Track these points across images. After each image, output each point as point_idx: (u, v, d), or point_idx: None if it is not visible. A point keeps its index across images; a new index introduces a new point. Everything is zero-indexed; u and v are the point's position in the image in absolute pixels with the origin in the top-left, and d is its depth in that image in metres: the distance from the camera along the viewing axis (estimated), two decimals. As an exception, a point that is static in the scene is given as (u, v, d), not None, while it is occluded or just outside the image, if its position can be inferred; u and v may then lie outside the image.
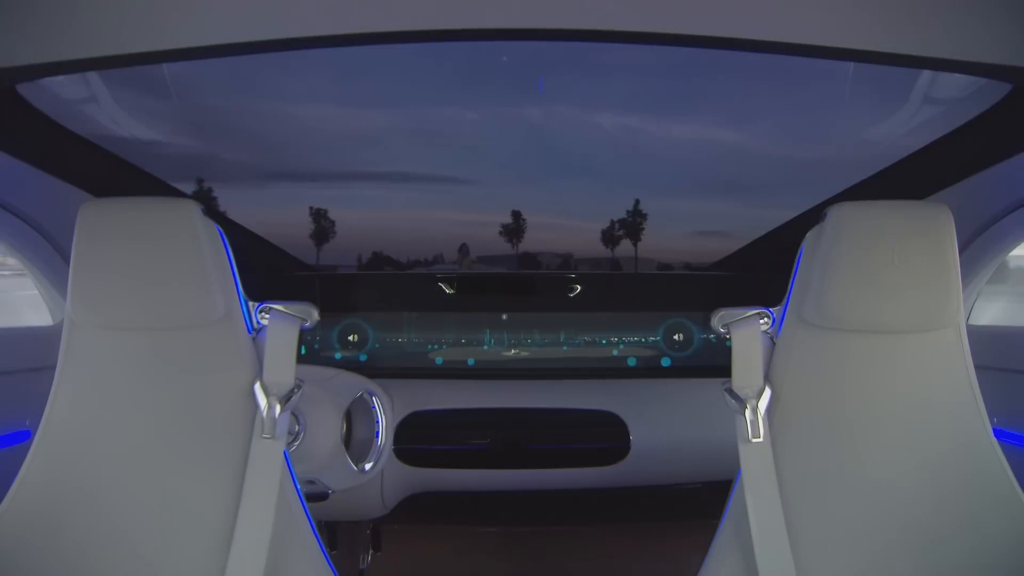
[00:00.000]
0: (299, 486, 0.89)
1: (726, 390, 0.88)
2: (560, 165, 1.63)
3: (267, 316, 0.91)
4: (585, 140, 1.59)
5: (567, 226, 1.74)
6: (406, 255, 1.60)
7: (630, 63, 1.33)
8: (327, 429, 1.06)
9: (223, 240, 0.88)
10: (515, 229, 1.68)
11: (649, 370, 1.40)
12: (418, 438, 1.30)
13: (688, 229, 1.58)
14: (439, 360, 1.40)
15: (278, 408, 0.84)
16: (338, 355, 1.40)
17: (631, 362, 1.39)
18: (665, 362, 1.40)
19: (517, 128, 1.55)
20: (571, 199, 1.71)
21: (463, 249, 1.59)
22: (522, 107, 1.49)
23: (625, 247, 1.69)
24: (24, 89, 0.98)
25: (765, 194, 1.66)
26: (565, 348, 1.41)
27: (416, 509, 1.38)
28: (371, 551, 1.56)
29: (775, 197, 1.63)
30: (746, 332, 0.90)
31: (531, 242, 1.64)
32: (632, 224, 1.71)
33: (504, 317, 1.41)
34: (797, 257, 0.89)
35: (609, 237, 1.70)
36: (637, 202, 1.70)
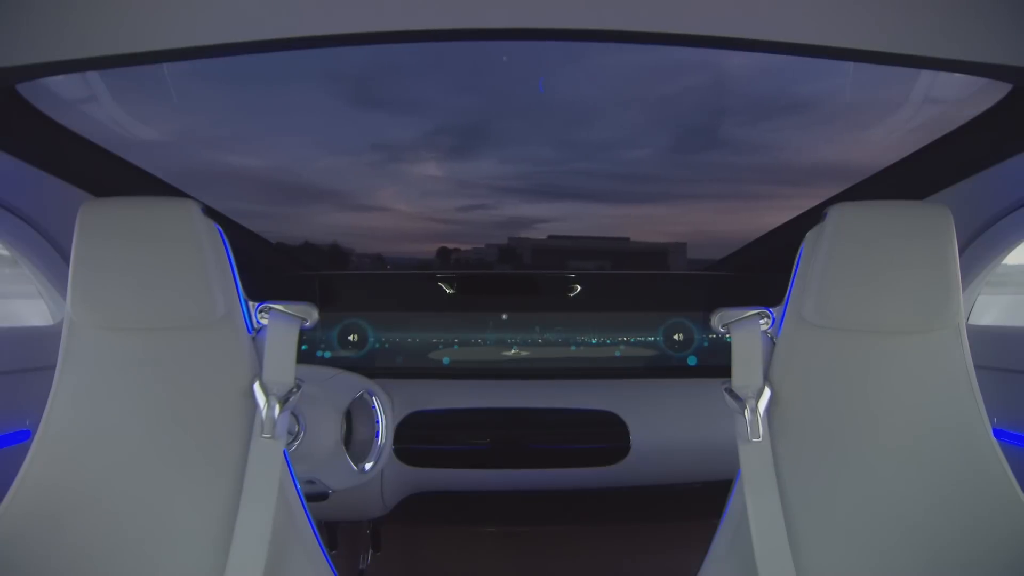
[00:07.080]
0: (299, 486, 0.89)
1: (726, 390, 0.88)
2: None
3: (267, 316, 0.91)
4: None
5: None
6: None
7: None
8: (327, 429, 1.06)
9: (223, 240, 0.88)
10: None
11: (649, 370, 1.40)
12: (418, 438, 1.30)
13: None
14: (439, 360, 1.40)
15: (278, 408, 0.84)
16: (331, 354, 1.40)
17: (636, 363, 1.39)
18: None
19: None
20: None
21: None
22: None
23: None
24: (24, 89, 0.98)
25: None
26: (565, 348, 1.41)
27: (416, 509, 1.38)
28: (371, 551, 1.56)
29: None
30: (746, 332, 0.90)
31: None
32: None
33: (504, 317, 1.41)
34: (797, 257, 0.89)
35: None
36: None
